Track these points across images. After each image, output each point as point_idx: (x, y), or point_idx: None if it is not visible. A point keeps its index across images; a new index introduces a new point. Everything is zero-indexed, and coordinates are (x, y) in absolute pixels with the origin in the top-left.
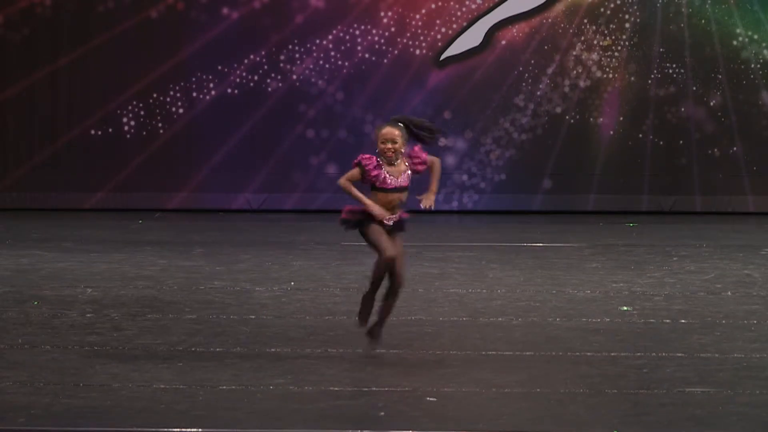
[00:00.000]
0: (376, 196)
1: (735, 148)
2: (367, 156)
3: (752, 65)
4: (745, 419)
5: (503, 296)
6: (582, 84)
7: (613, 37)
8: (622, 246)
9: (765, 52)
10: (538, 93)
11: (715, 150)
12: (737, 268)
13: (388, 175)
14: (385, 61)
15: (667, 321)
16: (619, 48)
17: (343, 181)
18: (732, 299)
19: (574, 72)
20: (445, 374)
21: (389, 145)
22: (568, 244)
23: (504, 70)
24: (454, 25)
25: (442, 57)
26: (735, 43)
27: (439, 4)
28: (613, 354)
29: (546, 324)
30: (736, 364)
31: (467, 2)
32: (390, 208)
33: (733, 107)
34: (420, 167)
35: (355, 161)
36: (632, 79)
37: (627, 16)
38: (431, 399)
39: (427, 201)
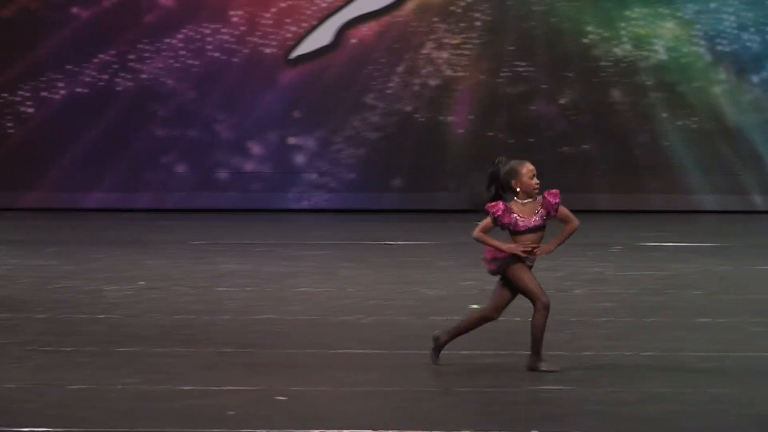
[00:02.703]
0: (519, 241)
1: (586, 146)
2: (492, 204)
3: (603, 63)
4: (599, 416)
5: (355, 295)
6: (432, 83)
7: (464, 36)
8: (473, 244)
9: (615, 50)
10: (389, 92)
11: (566, 148)
12: (588, 266)
13: (518, 218)
14: (236, 60)
15: (518, 319)
16: (470, 46)
17: (477, 234)
18: (583, 297)
19: (425, 70)
20: (297, 373)
21: (536, 180)
22: (419, 242)
23: (354, 68)
24: (305, 24)
25: (293, 56)
26: (586, 41)
27: (290, 2)
28: (464, 352)
29: (398, 322)
30: (588, 362)
31: (317, 1)
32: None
33: (584, 105)
34: (553, 213)
35: (486, 209)
36: (483, 77)
37: (478, 15)
38: (281, 398)
39: (541, 250)
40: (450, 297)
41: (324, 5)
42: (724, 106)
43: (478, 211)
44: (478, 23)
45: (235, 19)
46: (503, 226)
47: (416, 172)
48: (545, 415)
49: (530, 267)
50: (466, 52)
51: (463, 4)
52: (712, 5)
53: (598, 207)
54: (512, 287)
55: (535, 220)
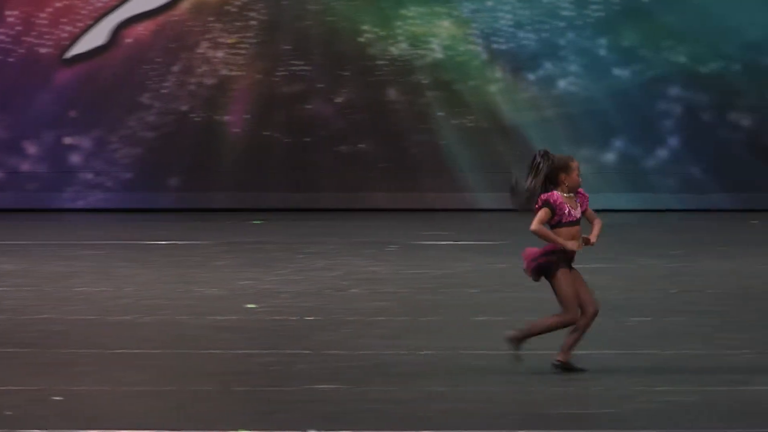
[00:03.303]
0: (560, 233)
1: (363, 145)
2: (547, 194)
3: (379, 62)
4: (376, 415)
5: (132, 294)
6: (208, 82)
7: (240, 35)
8: (250, 243)
9: (392, 48)
10: (165, 91)
11: (343, 147)
12: (365, 264)
13: (570, 208)
14: (12, 60)
15: (295, 318)
16: (246, 46)
17: (536, 227)
18: (360, 296)
19: (201, 70)
20: (75, 373)
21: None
22: (197, 241)
23: (130, 68)
24: (80, 24)
25: (69, 55)
26: (362, 40)
27: (66, 2)
28: (242, 351)
29: (175, 322)
30: (365, 361)
31: (93, 0)
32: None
33: (360, 104)
34: (583, 209)
35: (541, 202)
36: (259, 76)
37: (253, 14)
38: (58, 398)
39: (595, 237)
40: (227, 297)
41: (99, 5)
42: (501, 105)
43: (529, 210)
44: (253, 23)
45: (10, 19)
46: (556, 217)
47: (193, 172)
48: (323, 415)
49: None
50: (242, 52)
51: (238, 3)
52: (489, 4)
53: (375, 206)
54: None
55: (578, 212)
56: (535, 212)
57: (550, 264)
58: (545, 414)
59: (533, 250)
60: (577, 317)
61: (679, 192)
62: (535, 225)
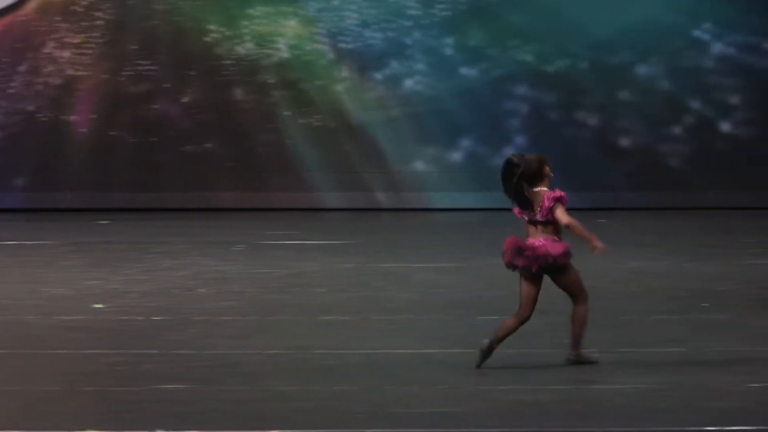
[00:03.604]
0: (529, 230)
1: (209, 145)
2: (554, 191)
3: (225, 62)
4: (225, 414)
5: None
6: (54, 82)
7: (86, 35)
8: (97, 243)
9: (238, 48)
10: (11, 91)
11: (189, 147)
12: (213, 264)
13: None
14: None
15: (142, 318)
16: (92, 46)
17: (569, 220)
18: (208, 296)
19: (47, 70)
20: None
21: None
22: (44, 241)
23: None
24: None
25: None
26: (208, 39)
27: None
28: (89, 351)
29: (22, 322)
30: (213, 361)
31: None
32: None
33: (207, 104)
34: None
35: (554, 201)
36: (105, 76)
37: (100, 14)
38: None
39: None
40: (74, 297)
41: None
42: (347, 104)
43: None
44: (100, 22)
45: None
46: (534, 213)
47: (39, 172)
48: (171, 414)
49: None
50: (88, 52)
51: (85, 3)
52: (335, 3)
53: (222, 205)
54: (538, 282)
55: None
56: (545, 210)
57: (565, 259)
58: (393, 413)
59: (517, 241)
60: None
61: None
62: (566, 218)
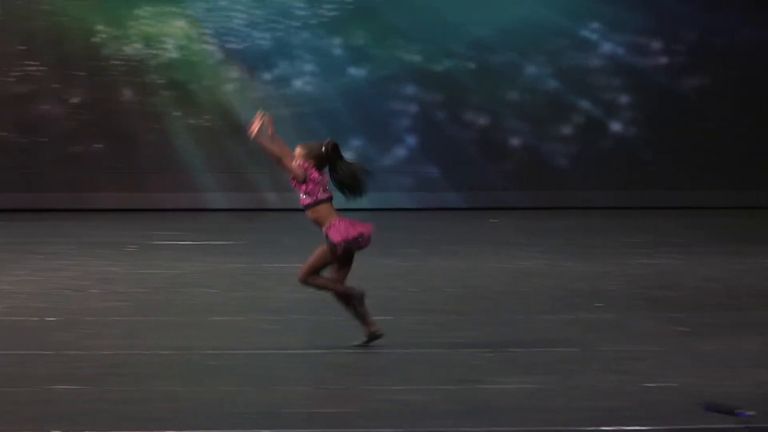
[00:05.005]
0: (318, 211)
1: (94, 145)
2: (311, 169)
3: (113, 62)
4: (110, 415)
5: None
6: None
7: None
8: None
9: (125, 48)
10: None
11: (76, 147)
12: (100, 264)
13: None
14: None
15: (32, 319)
16: None
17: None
18: (96, 296)
19: None
20: None
21: None
22: None
23: None
24: None
25: None
26: (96, 39)
27: None
28: None
29: None
30: (100, 361)
31: None
32: None
33: (93, 104)
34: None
35: (301, 166)
36: None
37: None
38: None
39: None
40: None
41: None
42: (235, 104)
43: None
44: None
45: None
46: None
47: None
48: (56, 414)
49: None
50: None
51: None
52: (222, 3)
53: (107, 206)
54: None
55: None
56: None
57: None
58: (279, 413)
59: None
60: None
61: (413, 191)
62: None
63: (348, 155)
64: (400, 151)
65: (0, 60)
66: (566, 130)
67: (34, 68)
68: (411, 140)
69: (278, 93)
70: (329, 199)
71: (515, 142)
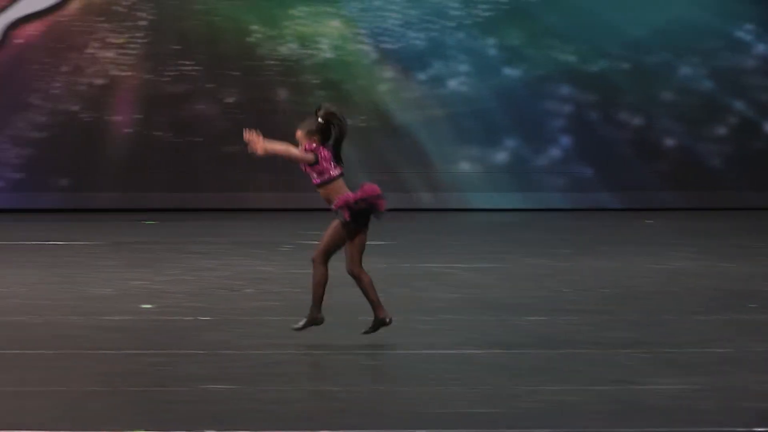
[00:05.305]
0: (332, 188)
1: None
2: (317, 147)
3: (268, 62)
4: (263, 415)
5: (20, 295)
6: (97, 82)
7: (128, 35)
8: (138, 243)
9: (280, 48)
10: (54, 91)
11: (231, 147)
12: (255, 264)
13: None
14: None
15: (187, 318)
16: (135, 46)
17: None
18: (250, 296)
19: (90, 70)
20: None
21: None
22: (84, 242)
23: (19, 68)
24: None
25: None
26: (251, 39)
27: None
28: (131, 351)
29: (66, 322)
30: (253, 361)
31: None
32: None
33: (247, 104)
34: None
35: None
36: (147, 76)
37: (142, 14)
38: None
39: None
40: (117, 297)
41: None
42: (389, 105)
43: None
44: (142, 23)
45: None
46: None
47: (81, 172)
48: (209, 414)
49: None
50: (131, 52)
51: (126, 3)
52: (377, 3)
53: (259, 205)
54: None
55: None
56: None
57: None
58: (433, 413)
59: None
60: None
61: (567, 191)
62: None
63: (502, 156)
64: (554, 152)
65: (155, 60)
66: (720, 130)
67: (189, 68)
68: (565, 140)
69: (433, 93)
70: (341, 175)
71: (669, 142)
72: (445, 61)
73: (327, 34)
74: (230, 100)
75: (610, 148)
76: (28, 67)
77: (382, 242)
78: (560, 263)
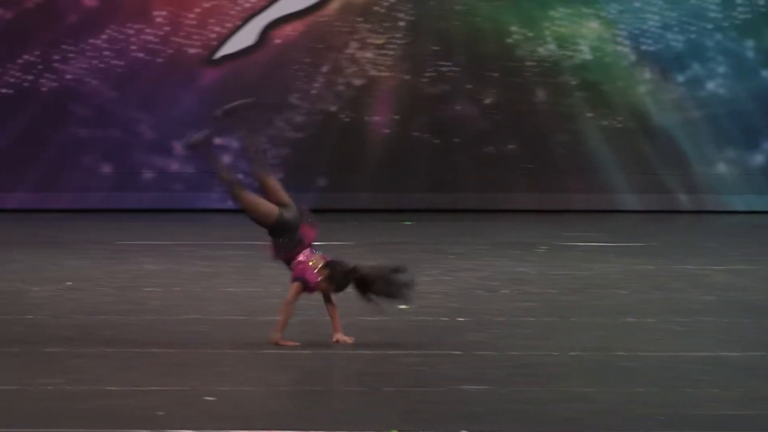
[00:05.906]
0: None
1: (508, 146)
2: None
3: (527, 63)
4: (519, 415)
5: (278, 294)
6: (356, 82)
7: (387, 36)
8: (396, 244)
9: (539, 49)
10: (313, 91)
11: (489, 148)
12: (512, 265)
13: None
14: (160, 60)
15: (444, 319)
16: (393, 46)
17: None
18: (508, 297)
19: (349, 70)
20: (221, 373)
21: None
22: (341, 242)
23: (279, 68)
24: (229, 24)
25: (217, 56)
26: (509, 40)
27: (213, 3)
28: (388, 352)
29: (320, 322)
30: (510, 361)
31: (241, 1)
32: None
33: (506, 105)
34: None
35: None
36: (406, 77)
37: (401, 15)
38: (209, 398)
39: None
40: None
41: (248, 5)
42: (648, 106)
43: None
44: (401, 23)
45: (159, 20)
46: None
47: (339, 172)
48: (465, 414)
49: None
50: (390, 52)
51: (386, 3)
52: (636, 5)
53: (517, 206)
54: None
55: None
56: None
57: None
58: (688, 414)
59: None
60: None
61: None
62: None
63: (759, 158)
64: None
65: (413, 60)
66: None
67: (447, 69)
68: None
69: (691, 95)
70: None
71: None
72: (703, 63)
73: (586, 36)
74: (488, 100)
75: None
76: (287, 67)
77: (641, 243)
78: None
